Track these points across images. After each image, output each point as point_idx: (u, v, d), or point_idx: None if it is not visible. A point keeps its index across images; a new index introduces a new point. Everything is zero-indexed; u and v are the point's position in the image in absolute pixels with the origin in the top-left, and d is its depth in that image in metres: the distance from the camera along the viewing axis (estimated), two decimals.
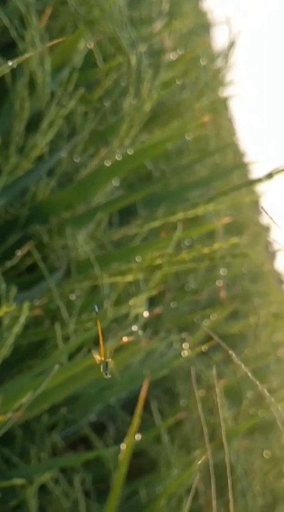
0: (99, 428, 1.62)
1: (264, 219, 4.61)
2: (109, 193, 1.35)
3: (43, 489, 1.30)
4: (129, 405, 1.62)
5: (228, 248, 1.13)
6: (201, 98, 1.64)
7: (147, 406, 1.65)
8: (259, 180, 1.23)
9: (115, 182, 1.30)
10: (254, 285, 2.93)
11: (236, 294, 2.25)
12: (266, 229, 4.46)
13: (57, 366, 0.73)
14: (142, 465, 1.71)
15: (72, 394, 1.38)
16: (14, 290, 1.00)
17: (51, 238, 1.27)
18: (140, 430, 1.27)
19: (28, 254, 1.26)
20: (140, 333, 1.05)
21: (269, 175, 1.21)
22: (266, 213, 0.61)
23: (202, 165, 2.25)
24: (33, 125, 1.14)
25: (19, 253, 1.05)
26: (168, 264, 1.14)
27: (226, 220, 1.20)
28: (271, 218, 0.63)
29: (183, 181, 1.90)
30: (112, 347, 0.94)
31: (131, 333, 1.01)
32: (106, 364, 0.64)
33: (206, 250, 1.10)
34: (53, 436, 1.33)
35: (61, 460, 1.18)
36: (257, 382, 0.65)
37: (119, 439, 1.51)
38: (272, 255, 4.58)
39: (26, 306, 0.88)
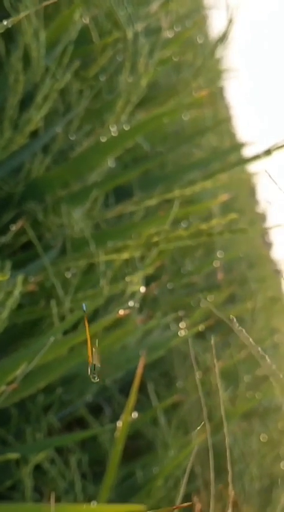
0: (95, 410, 1.61)
1: (261, 207, 4.59)
2: (105, 173, 1.34)
3: (39, 470, 1.30)
4: (125, 388, 1.61)
5: (226, 224, 1.11)
6: (198, 77, 1.62)
7: (143, 389, 1.64)
8: (258, 157, 1.21)
9: (110, 162, 1.29)
10: (251, 270, 2.92)
11: (233, 278, 2.24)
12: (262, 217, 4.44)
13: (52, 338, 0.72)
14: (138, 447, 1.70)
15: (68, 374, 1.37)
16: (8, 264, 0.98)
17: (46, 216, 1.25)
18: (137, 411, 1.26)
19: (22, 232, 1.25)
20: (136, 307, 1.03)
21: (268, 152, 1.19)
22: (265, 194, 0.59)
23: (199, 148, 2.23)
24: (27, 99, 1.12)
25: (13, 228, 1.03)
26: (165, 241, 1.12)
27: (224, 197, 1.18)
28: (269, 202, 0.61)
29: (180, 163, 1.88)
30: (109, 322, 0.92)
31: (128, 308, 0.99)
32: (94, 367, 0.62)
33: (204, 226, 1.09)
34: (48, 417, 1.32)
35: (56, 439, 1.17)
36: (266, 357, 0.63)
37: (115, 421, 1.50)
38: (268, 245, 4.57)
39: (20, 279, 0.87)
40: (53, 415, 1.34)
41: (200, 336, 2.04)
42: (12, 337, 1.23)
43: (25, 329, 1.24)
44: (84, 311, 0.60)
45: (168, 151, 1.69)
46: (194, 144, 2.26)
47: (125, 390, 1.58)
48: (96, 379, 0.60)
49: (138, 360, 1.33)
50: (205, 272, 2.02)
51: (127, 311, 0.94)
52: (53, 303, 1.04)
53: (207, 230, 1.10)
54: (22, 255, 1.26)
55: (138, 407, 1.23)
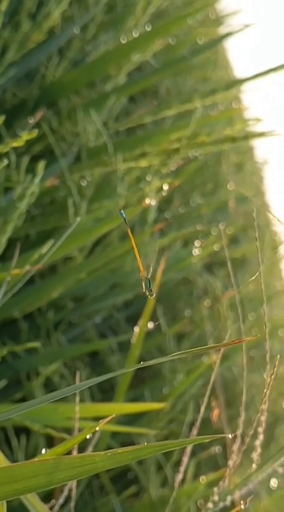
0: (101, 337, 1.58)
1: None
2: (119, 105, 1.28)
3: (49, 385, 1.27)
4: (132, 319, 1.58)
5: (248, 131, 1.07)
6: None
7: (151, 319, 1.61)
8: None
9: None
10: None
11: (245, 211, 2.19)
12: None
13: (78, 219, 0.68)
14: (145, 376, 1.68)
15: (78, 293, 1.34)
16: (25, 160, 0.94)
17: (61, 124, 1.21)
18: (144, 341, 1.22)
19: (36, 140, 1.20)
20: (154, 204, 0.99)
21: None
22: None
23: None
24: None
25: (31, 120, 0.98)
26: (186, 147, 1.08)
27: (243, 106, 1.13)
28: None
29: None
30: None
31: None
32: (148, 282, 0.57)
33: (228, 130, 1.04)
34: (58, 333, 1.29)
35: (68, 349, 1.14)
36: None
37: (121, 350, 1.48)
38: None
39: (40, 165, 0.82)
40: (62, 335, 1.32)
41: (208, 269, 2.02)
42: (26, 248, 1.19)
43: (38, 240, 1.20)
44: (124, 219, 0.55)
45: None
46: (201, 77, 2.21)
47: (132, 321, 1.56)
48: (153, 295, 0.56)
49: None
50: (215, 207, 1.98)
51: (147, 203, 0.90)
52: (70, 202, 1.00)
53: (230, 136, 1.06)
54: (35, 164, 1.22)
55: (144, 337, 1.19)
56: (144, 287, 0.57)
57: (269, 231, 3.11)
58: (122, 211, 0.58)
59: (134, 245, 0.53)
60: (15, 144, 0.60)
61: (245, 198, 2.23)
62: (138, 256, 0.52)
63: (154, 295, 0.57)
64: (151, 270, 0.55)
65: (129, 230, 0.49)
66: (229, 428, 1.44)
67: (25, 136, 0.60)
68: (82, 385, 0.49)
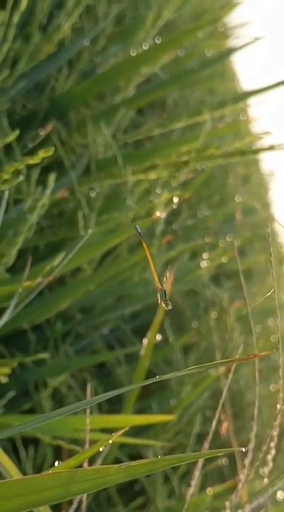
0: (109, 349, 1.58)
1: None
2: (127, 117, 1.29)
3: (56, 396, 1.27)
4: (139, 331, 1.58)
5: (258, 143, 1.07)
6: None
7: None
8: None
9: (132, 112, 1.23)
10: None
11: (252, 222, 2.20)
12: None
13: (90, 231, 0.68)
14: (152, 388, 1.68)
15: (86, 304, 1.34)
16: (36, 173, 0.94)
17: (71, 136, 1.21)
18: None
19: (47, 151, 1.20)
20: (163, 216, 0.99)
21: None
22: None
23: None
24: (57, 5, 1.08)
25: (42, 132, 0.99)
26: (195, 160, 1.08)
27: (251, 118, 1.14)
28: None
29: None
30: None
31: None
32: (164, 293, 0.56)
33: (237, 144, 1.05)
34: (65, 345, 1.29)
35: (74, 361, 1.14)
36: None
37: (128, 361, 1.48)
38: None
39: (51, 177, 0.83)
40: (69, 346, 1.32)
41: (215, 280, 2.02)
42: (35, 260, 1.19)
43: (47, 252, 1.21)
44: (139, 233, 0.55)
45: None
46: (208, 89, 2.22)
47: (139, 334, 1.55)
48: (169, 307, 0.55)
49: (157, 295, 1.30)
50: (222, 219, 1.99)
51: (157, 215, 0.90)
52: (79, 214, 1.00)
53: (240, 149, 1.06)
54: (45, 176, 1.22)
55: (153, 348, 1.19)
56: (159, 299, 0.56)
57: (276, 243, 3.11)
58: (137, 226, 0.58)
59: (150, 258, 0.53)
60: (31, 162, 0.60)
61: (251, 210, 2.23)
62: (153, 268, 0.52)
63: (171, 307, 0.57)
64: (164, 281, 0.55)
65: (145, 245, 0.49)
66: (237, 440, 1.44)
67: (41, 154, 0.60)
68: (93, 400, 0.49)
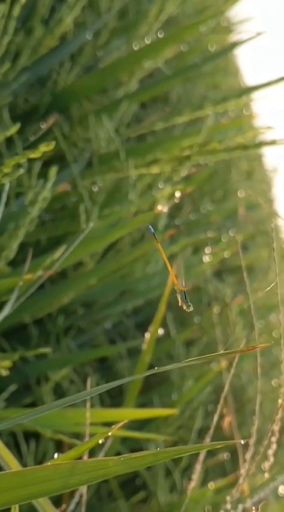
0: (111, 343, 1.58)
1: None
2: (130, 112, 1.28)
3: (58, 390, 1.27)
4: (141, 325, 1.58)
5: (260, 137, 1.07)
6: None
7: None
8: None
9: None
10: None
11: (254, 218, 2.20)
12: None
13: (91, 224, 0.68)
14: (154, 382, 1.68)
15: (88, 300, 1.34)
16: (37, 166, 0.94)
17: (73, 130, 1.21)
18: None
19: (49, 145, 1.20)
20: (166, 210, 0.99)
21: None
22: None
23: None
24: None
25: (43, 125, 0.99)
26: (198, 154, 1.08)
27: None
28: None
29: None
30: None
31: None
32: (184, 295, 0.55)
33: (239, 138, 1.04)
34: (67, 339, 1.29)
35: (76, 355, 1.14)
36: None
37: (130, 356, 1.48)
38: None
39: (52, 170, 0.83)
40: (71, 340, 1.32)
41: (217, 275, 2.02)
42: (36, 254, 1.19)
43: (48, 246, 1.21)
44: (153, 234, 0.55)
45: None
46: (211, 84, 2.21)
47: (141, 328, 1.55)
48: (191, 308, 0.54)
49: (160, 290, 1.30)
50: (225, 214, 1.98)
51: (160, 209, 0.90)
52: (81, 208, 1.00)
53: (242, 143, 1.06)
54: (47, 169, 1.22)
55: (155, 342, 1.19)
56: (180, 300, 0.55)
57: (278, 238, 3.10)
58: (150, 226, 0.58)
59: (165, 258, 0.52)
60: (32, 156, 0.60)
61: (254, 206, 2.23)
62: (170, 268, 0.51)
63: (192, 308, 0.56)
64: (183, 283, 0.55)
65: (159, 244, 0.49)
66: (238, 435, 1.44)
67: (43, 148, 0.60)
68: (93, 391, 0.49)
